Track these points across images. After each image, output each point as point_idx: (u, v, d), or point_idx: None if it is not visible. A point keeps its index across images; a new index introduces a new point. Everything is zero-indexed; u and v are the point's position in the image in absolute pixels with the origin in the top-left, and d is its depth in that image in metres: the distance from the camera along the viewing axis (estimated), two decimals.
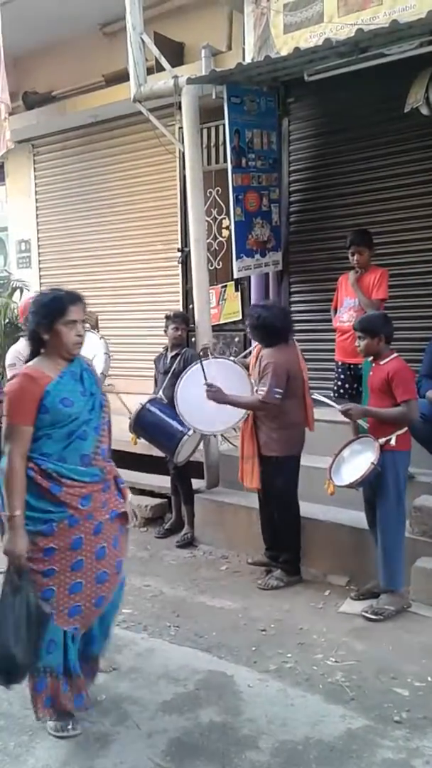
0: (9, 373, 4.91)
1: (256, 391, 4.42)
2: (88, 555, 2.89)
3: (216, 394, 4.45)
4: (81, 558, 2.88)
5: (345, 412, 4.06)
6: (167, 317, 5.48)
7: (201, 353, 5.00)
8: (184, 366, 5.19)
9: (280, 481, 4.48)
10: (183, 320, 5.48)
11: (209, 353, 4.95)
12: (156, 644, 3.82)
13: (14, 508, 2.75)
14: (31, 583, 2.80)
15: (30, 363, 2.95)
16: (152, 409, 5.22)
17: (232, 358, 5.16)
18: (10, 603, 2.75)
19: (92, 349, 4.77)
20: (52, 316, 2.85)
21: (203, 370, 4.57)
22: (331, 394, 5.10)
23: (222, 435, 5.53)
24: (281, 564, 4.61)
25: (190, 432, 4.94)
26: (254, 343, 4.83)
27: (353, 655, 3.64)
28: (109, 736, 2.98)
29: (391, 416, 3.97)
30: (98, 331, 4.93)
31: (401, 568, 4.06)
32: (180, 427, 4.95)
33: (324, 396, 4.36)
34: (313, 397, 4.45)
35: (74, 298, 2.92)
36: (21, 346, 4.96)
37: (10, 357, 4.90)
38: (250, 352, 5.02)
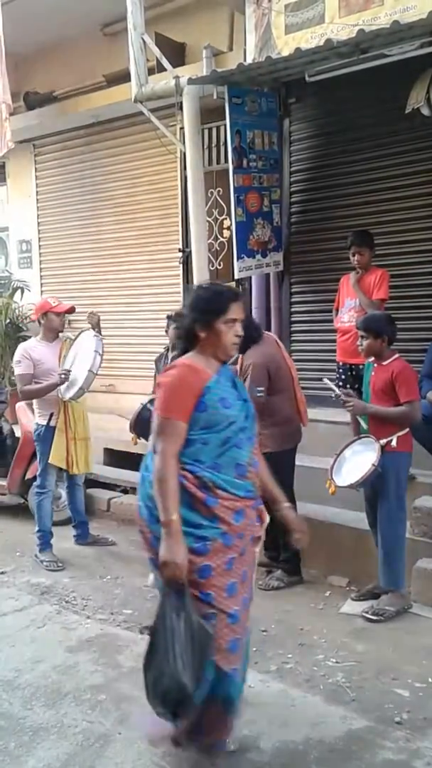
0: (16, 371, 4.98)
1: None
2: (238, 578, 2.57)
3: None
4: (234, 581, 2.54)
5: (346, 403, 4.05)
6: (169, 317, 5.48)
7: None
8: None
9: (276, 476, 4.47)
10: None
11: None
12: None
13: (170, 512, 2.42)
14: (191, 599, 2.45)
15: (184, 357, 2.67)
16: (152, 408, 5.21)
17: None
18: (171, 625, 2.39)
19: (86, 346, 4.81)
20: (213, 313, 2.58)
21: None
22: (332, 396, 5.10)
23: None
24: (281, 564, 4.61)
25: None
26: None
27: (354, 656, 3.64)
28: (109, 736, 2.98)
29: (392, 415, 3.97)
30: (98, 332, 4.93)
31: (402, 568, 4.06)
32: None
33: (329, 381, 4.31)
34: (324, 380, 4.39)
35: (236, 295, 2.67)
36: (29, 345, 5.08)
37: (17, 354, 4.99)
38: (235, 361, 5.05)
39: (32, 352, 4.92)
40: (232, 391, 2.64)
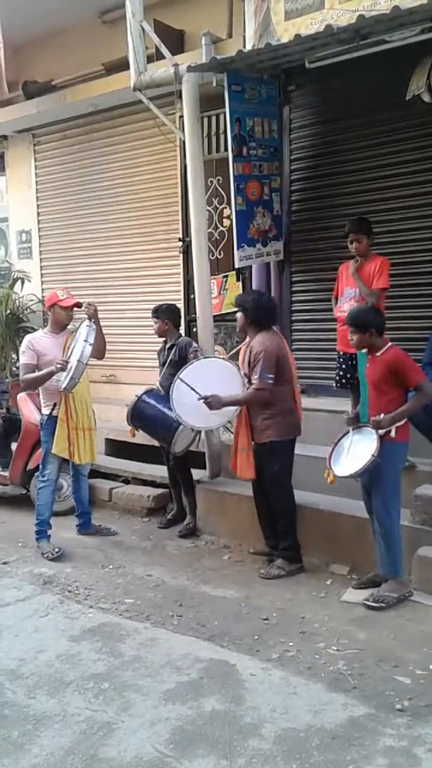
0: (20, 360, 5.11)
1: (249, 382, 4.51)
2: None
3: (213, 403, 4.51)
4: None
5: (375, 425, 3.97)
6: (153, 312, 5.46)
7: (192, 355, 5.01)
8: (179, 356, 5.19)
9: (275, 465, 4.56)
10: (160, 312, 5.41)
11: (199, 354, 4.97)
12: (159, 633, 3.84)
13: None
14: None
15: None
16: (148, 400, 5.23)
17: (221, 356, 5.14)
18: None
19: (79, 337, 4.84)
20: None
21: (192, 388, 4.59)
22: (333, 384, 5.11)
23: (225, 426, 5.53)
24: (282, 551, 4.63)
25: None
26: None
27: (355, 644, 3.66)
28: (112, 724, 3.00)
29: (416, 408, 3.98)
30: (96, 322, 4.93)
31: (400, 555, 4.07)
32: (176, 417, 4.96)
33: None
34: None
35: None
36: (34, 336, 5.18)
37: (23, 345, 5.12)
38: (237, 352, 5.03)
39: (36, 344, 5.03)
40: None
